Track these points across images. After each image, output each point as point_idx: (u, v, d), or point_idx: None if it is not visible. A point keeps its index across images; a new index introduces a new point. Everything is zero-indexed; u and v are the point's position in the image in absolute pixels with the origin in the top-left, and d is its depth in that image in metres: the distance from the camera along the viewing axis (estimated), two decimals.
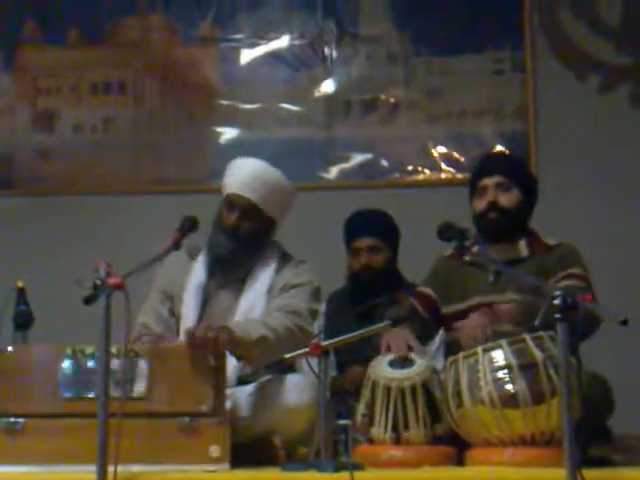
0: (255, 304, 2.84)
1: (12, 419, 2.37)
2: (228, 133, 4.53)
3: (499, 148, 4.35)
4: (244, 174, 2.90)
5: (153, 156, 4.48)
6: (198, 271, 2.92)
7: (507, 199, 2.88)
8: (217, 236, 2.87)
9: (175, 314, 2.91)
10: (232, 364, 2.62)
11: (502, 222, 2.85)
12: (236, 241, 2.87)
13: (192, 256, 2.97)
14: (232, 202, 2.89)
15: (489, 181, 2.90)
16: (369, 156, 4.47)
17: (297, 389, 2.61)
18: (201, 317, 2.81)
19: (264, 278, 2.88)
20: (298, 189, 4.43)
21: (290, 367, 2.80)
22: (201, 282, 2.90)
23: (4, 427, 2.37)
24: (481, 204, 2.89)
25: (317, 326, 3.43)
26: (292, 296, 2.83)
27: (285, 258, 2.96)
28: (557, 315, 2.07)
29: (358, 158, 4.48)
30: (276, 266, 2.92)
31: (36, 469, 2.32)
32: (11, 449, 2.35)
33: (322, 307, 3.54)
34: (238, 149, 4.44)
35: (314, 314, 2.85)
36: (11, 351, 2.45)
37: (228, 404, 2.52)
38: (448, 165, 4.38)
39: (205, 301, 2.88)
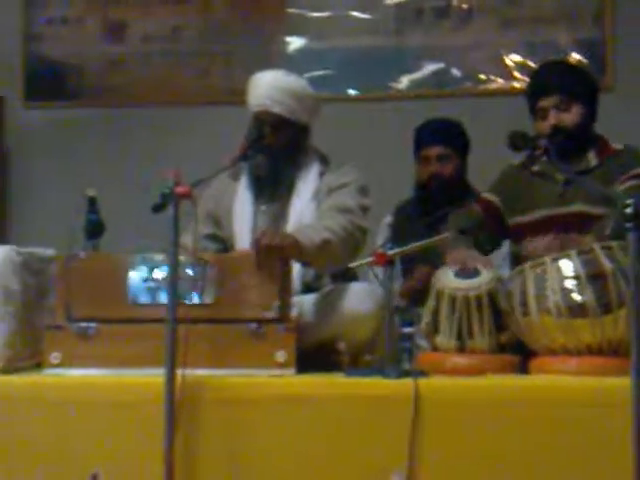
0: (304, 212, 2.84)
1: (85, 324, 2.43)
2: (297, 42, 4.48)
3: (575, 56, 4.23)
4: (267, 88, 2.85)
5: (222, 66, 4.48)
6: (243, 192, 2.93)
7: (570, 119, 2.77)
8: (255, 155, 2.83)
9: (220, 237, 2.95)
10: (296, 270, 2.65)
11: (569, 142, 2.76)
12: (274, 157, 2.85)
13: (235, 178, 2.97)
14: (261, 119, 2.86)
15: (547, 102, 2.78)
16: (441, 65, 4.39)
17: (361, 297, 2.62)
18: (254, 233, 2.83)
19: (308, 185, 2.88)
20: (368, 99, 4.48)
21: (353, 276, 2.82)
22: (248, 202, 2.91)
23: (77, 331, 2.43)
24: (544, 127, 2.78)
25: (383, 237, 3.45)
26: (340, 195, 2.82)
27: (326, 161, 2.94)
28: (628, 224, 2.02)
29: (429, 67, 4.40)
30: (318, 171, 2.91)
31: (108, 372, 2.39)
32: (84, 353, 2.42)
33: (389, 218, 3.55)
34: (307, 58, 4.42)
35: (365, 210, 2.83)
36: (83, 257, 2.49)
37: (294, 311, 2.55)
38: (521, 73, 4.27)
39: (255, 218, 2.89)
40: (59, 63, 4.61)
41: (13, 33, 4.66)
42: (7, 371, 2.40)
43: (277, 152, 2.86)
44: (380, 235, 3.47)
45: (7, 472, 2.30)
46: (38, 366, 2.47)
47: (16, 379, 2.39)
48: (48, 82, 4.61)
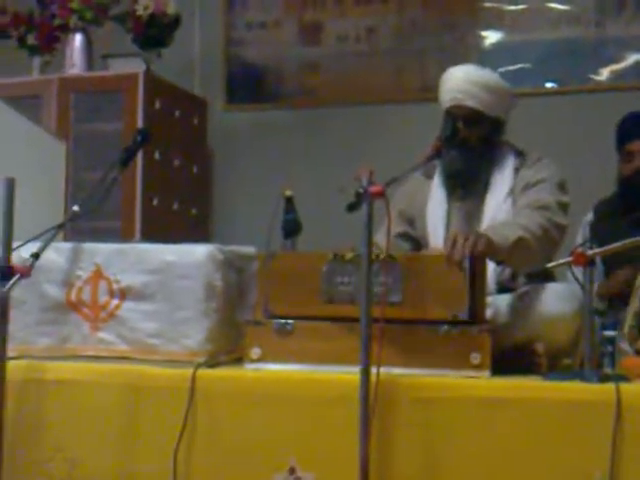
0: (499, 210, 2.78)
1: (283, 320, 2.49)
2: (492, 37, 4.43)
3: None
4: (458, 83, 2.81)
5: (416, 64, 4.48)
6: (437, 190, 2.90)
7: None
8: (448, 152, 2.78)
9: (413, 236, 2.94)
10: (491, 270, 2.61)
11: None
12: (468, 153, 2.80)
13: (428, 176, 2.95)
14: (454, 114, 2.81)
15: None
16: None
17: (560, 298, 2.53)
18: (448, 231, 2.80)
19: (504, 182, 2.81)
20: (567, 92, 4.35)
21: (550, 276, 2.74)
22: (442, 200, 2.88)
23: (277, 328, 2.48)
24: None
25: (583, 235, 3.34)
26: (537, 192, 2.74)
27: (522, 157, 2.87)
28: None
29: (632, 58, 4.24)
30: (514, 167, 2.84)
31: (305, 368, 2.43)
32: (283, 349, 2.46)
33: (589, 216, 3.43)
34: (502, 52, 4.36)
35: (564, 207, 2.74)
36: (281, 256, 2.54)
37: (489, 312, 2.51)
38: None
39: (448, 216, 2.86)
40: (258, 66, 4.76)
41: (215, 38, 4.86)
42: (209, 365, 2.49)
43: (471, 148, 2.82)
44: (580, 233, 3.37)
45: (210, 462, 2.40)
46: (239, 360, 2.55)
47: (218, 373, 2.47)
48: (248, 85, 4.77)
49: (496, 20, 4.43)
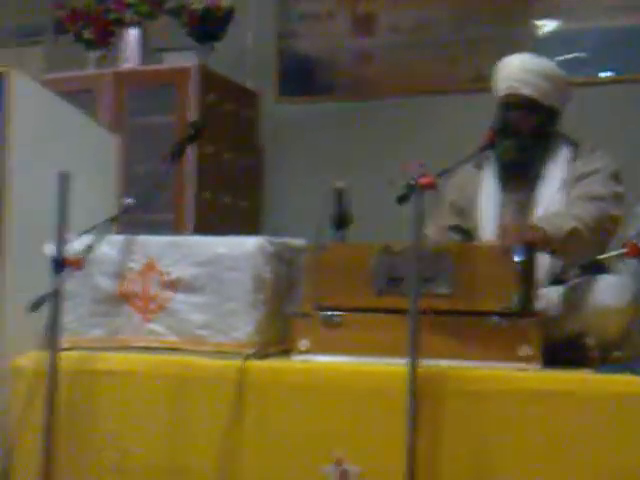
0: (552, 200, 2.74)
1: (331, 312, 2.49)
2: (548, 25, 4.36)
3: None
4: (514, 71, 2.78)
5: (470, 54, 4.43)
6: (489, 180, 2.87)
7: None
8: (502, 142, 2.75)
9: (465, 228, 2.91)
10: (544, 262, 2.58)
11: None
12: (522, 143, 2.77)
13: (480, 167, 2.92)
14: (509, 103, 2.78)
15: None
16: None
17: (613, 291, 2.49)
18: (500, 222, 2.77)
19: (557, 172, 2.78)
20: (624, 81, 4.27)
21: (603, 268, 2.70)
22: (494, 190, 2.85)
23: (325, 320, 2.49)
24: None
25: (636, 226, 3.27)
26: (591, 183, 2.70)
27: (576, 147, 2.82)
28: None
29: None
30: (568, 157, 2.80)
31: (353, 359, 2.44)
32: (330, 340, 2.48)
33: None
34: (558, 42, 4.29)
35: (618, 197, 2.70)
36: (330, 248, 2.55)
37: (541, 304, 2.48)
38: None
39: (500, 207, 2.83)
40: (311, 58, 4.76)
41: (268, 30, 4.86)
42: (258, 356, 2.51)
43: (525, 137, 2.79)
44: (633, 224, 3.30)
45: (258, 452, 2.41)
46: (287, 352, 2.56)
47: (266, 364, 2.49)
48: (300, 77, 4.77)
49: (552, 9, 4.36)
